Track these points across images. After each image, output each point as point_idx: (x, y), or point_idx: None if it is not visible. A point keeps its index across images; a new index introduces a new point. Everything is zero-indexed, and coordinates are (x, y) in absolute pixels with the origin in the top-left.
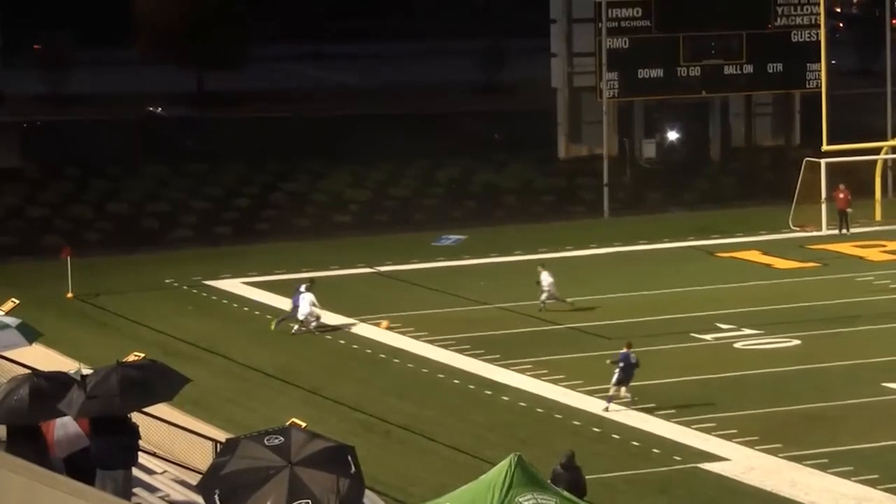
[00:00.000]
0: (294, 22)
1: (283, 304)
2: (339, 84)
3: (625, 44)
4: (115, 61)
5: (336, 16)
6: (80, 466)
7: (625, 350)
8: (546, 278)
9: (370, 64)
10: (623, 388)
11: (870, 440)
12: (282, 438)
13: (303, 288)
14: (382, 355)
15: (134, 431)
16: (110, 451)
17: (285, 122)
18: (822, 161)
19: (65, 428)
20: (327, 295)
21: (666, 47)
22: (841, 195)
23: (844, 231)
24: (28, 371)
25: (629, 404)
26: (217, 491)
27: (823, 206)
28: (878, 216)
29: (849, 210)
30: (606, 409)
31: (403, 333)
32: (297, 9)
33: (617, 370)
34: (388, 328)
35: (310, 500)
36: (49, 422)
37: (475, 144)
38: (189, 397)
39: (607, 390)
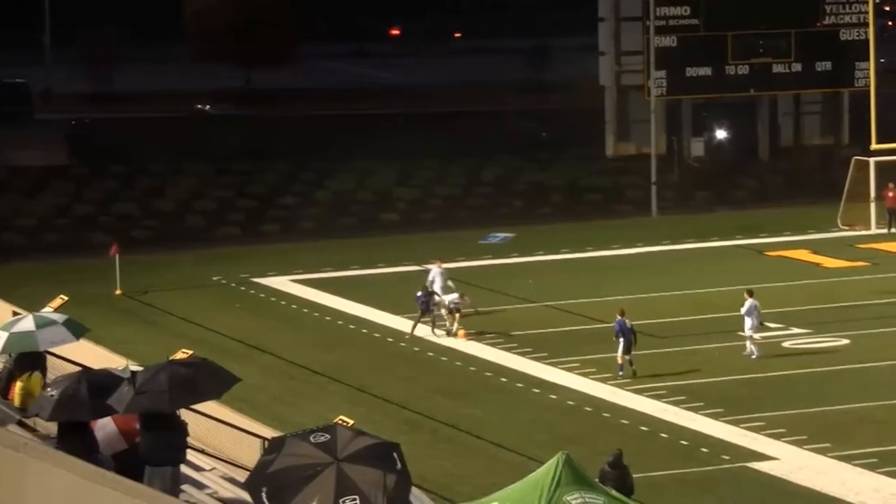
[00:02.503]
0: (340, 20)
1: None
2: (384, 82)
3: (673, 42)
4: (162, 58)
5: (381, 14)
6: (126, 464)
7: (619, 318)
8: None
9: (415, 62)
10: (627, 357)
11: None
12: (328, 436)
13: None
14: (430, 353)
15: (182, 429)
16: (158, 447)
17: (331, 120)
18: (871, 160)
19: (104, 429)
20: (370, 292)
21: (714, 46)
22: (890, 194)
23: (893, 230)
24: (80, 367)
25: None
26: (264, 488)
27: (872, 205)
28: None
29: None
30: (620, 375)
31: None
32: (343, 7)
33: (621, 341)
34: None
35: (357, 497)
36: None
37: (520, 143)
38: (237, 395)
39: (656, 389)
